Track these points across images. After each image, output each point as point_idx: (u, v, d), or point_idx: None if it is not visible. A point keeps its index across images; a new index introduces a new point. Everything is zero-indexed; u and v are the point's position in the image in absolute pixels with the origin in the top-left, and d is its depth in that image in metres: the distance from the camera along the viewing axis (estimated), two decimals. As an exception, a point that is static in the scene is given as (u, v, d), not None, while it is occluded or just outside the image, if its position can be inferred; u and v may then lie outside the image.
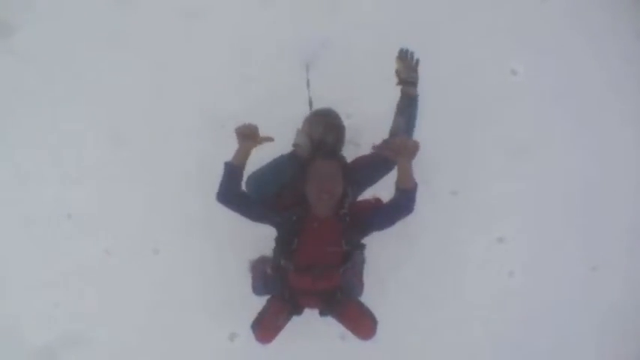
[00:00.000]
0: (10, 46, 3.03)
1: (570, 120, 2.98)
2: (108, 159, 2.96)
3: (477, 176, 2.92)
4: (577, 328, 2.86)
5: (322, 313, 2.41)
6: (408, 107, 2.12)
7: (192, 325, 2.83)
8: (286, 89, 2.83)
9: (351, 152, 2.36)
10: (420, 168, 2.00)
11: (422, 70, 2.20)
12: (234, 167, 2.01)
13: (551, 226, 2.94)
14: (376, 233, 2.15)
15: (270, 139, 2.02)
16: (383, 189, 2.17)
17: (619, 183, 2.97)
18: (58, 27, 3.03)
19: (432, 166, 1.93)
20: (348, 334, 2.49)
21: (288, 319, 2.40)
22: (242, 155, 2.02)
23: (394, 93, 2.22)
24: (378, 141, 1.94)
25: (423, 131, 2.25)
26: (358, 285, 2.46)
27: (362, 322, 2.38)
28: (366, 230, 2.11)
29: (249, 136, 1.99)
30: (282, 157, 2.22)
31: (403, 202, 1.97)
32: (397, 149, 1.87)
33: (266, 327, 2.36)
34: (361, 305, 2.42)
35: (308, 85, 2.66)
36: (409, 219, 2.03)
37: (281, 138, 2.22)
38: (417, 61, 2.13)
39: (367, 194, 2.32)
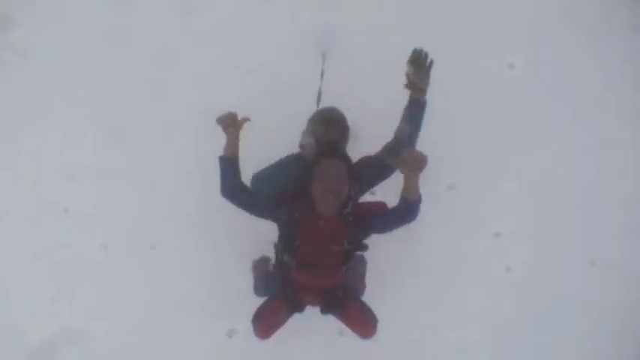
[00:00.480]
0: (9, 42, 3.03)
1: (568, 115, 2.98)
2: (105, 154, 2.96)
3: (475, 171, 2.92)
4: (575, 323, 2.86)
5: (323, 311, 2.41)
6: (414, 112, 2.08)
7: (190, 321, 2.82)
8: (287, 84, 2.83)
9: (350, 146, 2.37)
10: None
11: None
12: (226, 159, 2.04)
13: (548, 222, 2.94)
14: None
15: (247, 119, 2.03)
16: (389, 194, 2.17)
17: (616, 178, 2.98)
18: (58, 23, 3.03)
19: (430, 160, 1.92)
20: (347, 330, 2.49)
21: (288, 315, 2.40)
22: (231, 145, 2.03)
23: (393, 87, 2.21)
24: (379, 138, 1.93)
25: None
26: (360, 284, 2.48)
27: (363, 321, 2.38)
28: (367, 232, 2.12)
29: (229, 123, 2.01)
30: (288, 157, 2.23)
31: (406, 212, 1.99)
32: (406, 163, 1.86)
33: (266, 322, 2.35)
34: (362, 304, 2.42)
35: (322, 75, 2.64)
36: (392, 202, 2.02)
37: (281, 133, 2.22)
38: (432, 62, 2.04)
39: (372, 196, 2.33)
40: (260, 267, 2.63)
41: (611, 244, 2.95)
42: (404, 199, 1.95)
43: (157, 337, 2.80)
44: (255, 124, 2.13)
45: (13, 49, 3.02)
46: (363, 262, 2.55)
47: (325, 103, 2.52)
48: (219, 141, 2.36)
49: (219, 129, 2.82)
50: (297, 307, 2.39)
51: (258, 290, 2.48)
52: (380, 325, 2.41)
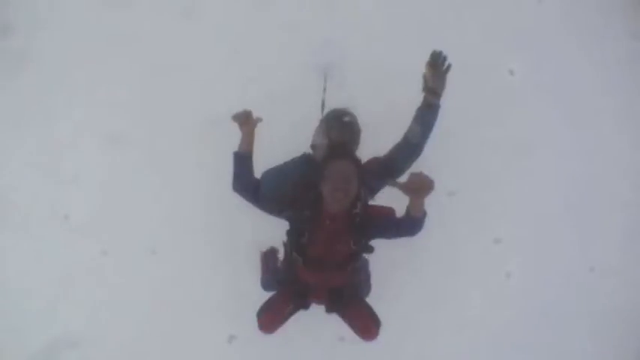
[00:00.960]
0: (9, 47, 3.03)
1: (568, 121, 2.99)
2: (105, 160, 2.96)
3: (475, 177, 2.93)
4: (574, 328, 2.87)
5: (328, 310, 2.42)
6: (427, 115, 2.04)
7: (190, 326, 2.82)
8: (286, 90, 2.84)
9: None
10: (417, 169, 2.00)
11: (418, 70, 2.09)
12: (240, 155, 2.07)
13: (548, 227, 2.94)
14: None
15: (260, 119, 2.08)
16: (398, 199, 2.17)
17: (615, 183, 2.99)
18: (57, 28, 3.04)
19: (429, 166, 1.92)
20: (347, 335, 2.49)
21: (293, 311, 2.41)
22: (245, 141, 2.07)
23: (396, 93, 2.21)
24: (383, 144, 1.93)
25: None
26: (366, 285, 2.49)
27: (366, 323, 2.39)
28: (372, 234, 2.13)
29: (245, 120, 2.05)
30: (298, 157, 2.23)
31: (410, 226, 2.00)
32: (411, 188, 1.86)
33: (271, 317, 2.36)
34: (367, 306, 2.42)
35: (324, 91, 2.66)
36: (402, 203, 2.01)
37: (280, 138, 2.22)
38: (449, 67, 2.01)
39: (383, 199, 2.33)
40: (268, 259, 2.63)
41: (611, 249, 2.95)
42: (408, 214, 1.96)
43: (156, 342, 2.80)
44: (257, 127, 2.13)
45: (13, 55, 3.02)
46: (367, 264, 2.55)
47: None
48: (217, 146, 2.37)
49: (220, 133, 2.84)
50: (303, 303, 2.41)
51: (265, 284, 2.49)
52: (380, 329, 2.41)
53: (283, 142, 2.21)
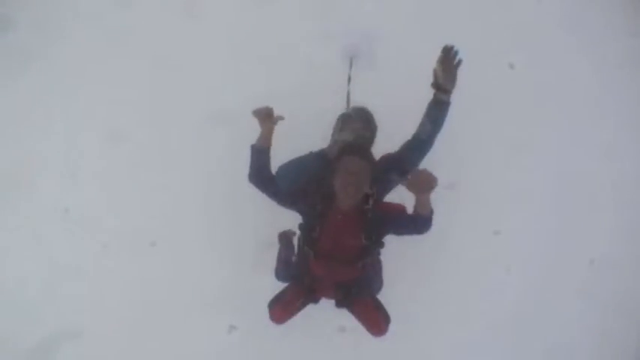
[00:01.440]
0: (11, 43, 3.05)
1: (567, 114, 3.01)
2: (105, 154, 2.98)
3: (474, 170, 2.94)
4: (575, 321, 2.88)
5: (338, 304, 2.44)
6: (437, 112, 2.06)
7: (191, 318, 2.83)
8: (287, 86, 2.84)
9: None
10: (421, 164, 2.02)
11: (422, 66, 2.11)
12: (259, 148, 2.11)
13: (548, 220, 2.95)
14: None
15: (281, 117, 2.13)
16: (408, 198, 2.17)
17: (615, 176, 2.99)
18: (59, 25, 3.04)
19: (430, 159, 1.93)
20: (347, 327, 2.50)
21: (304, 304, 2.44)
22: (265, 136, 2.11)
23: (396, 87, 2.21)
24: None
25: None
26: (377, 281, 2.49)
27: (375, 319, 2.42)
28: (383, 231, 2.15)
29: (266, 116, 2.09)
30: (312, 152, 2.26)
31: (418, 224, 2.03)
32: (415, 185, 1.88)
33: (282, 308, 2.40)
34: (377, 302, 2.45)
35: (349, 80, 2.69)
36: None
37: (282, 133, 2.22)
38: (460, 62, 2.02)
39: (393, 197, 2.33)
40: (285, 240, 2.63)
41: (611, 242, 2.96)
42: (415, 213, 1.98)
43: (157, 333, 2.81)
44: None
45: (14, 50, 3.03)
46: (379, 261, 2.55)
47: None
48: (217, 140, 2.39)
49: (221, 130, 2.86)
50: (313, 297, 2.43)
51: (279, 275, 2.51)
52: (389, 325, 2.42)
53: (286, 138, 2.20)
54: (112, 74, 2.99)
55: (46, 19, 3.05)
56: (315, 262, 2.21)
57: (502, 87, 2.99)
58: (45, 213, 2.95)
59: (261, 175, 2.11)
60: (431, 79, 2.03)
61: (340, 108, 2.62)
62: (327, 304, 2.44)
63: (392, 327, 2.52)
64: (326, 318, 2.56)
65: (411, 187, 1.88)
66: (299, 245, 2.33)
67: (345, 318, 2.45)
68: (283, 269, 2.45)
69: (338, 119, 2.34)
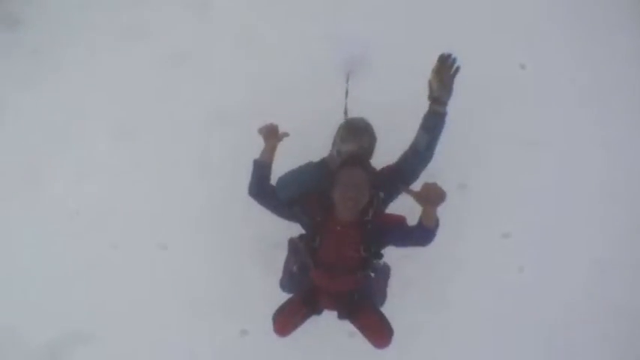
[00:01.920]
0: (19, 40, 3.06)
1: (577, 115, 2.98)
2: (116, 155, 2.99)
3: (486, 170, 2.92)
4: (587, 323, 2.85)
5: (340, 316, 2.43)
6: (433, 124, 2.00)
7: (202, 321, 2.84)
8: (293, 85, 2.84)
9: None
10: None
11: (429, 66, 2.06)
12: (261, 163, 2.15)
13: (558, 221, 2.92)
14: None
15: (286, 134, 2.20)
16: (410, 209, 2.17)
17: (625, 176, 2.97)
18: (67, 22, 3.05)
19: (441, 159, 1.92)
20: (357, 332, 2.48)
21: (306, 316, 2.44)
22: (267, 152, 2.16)
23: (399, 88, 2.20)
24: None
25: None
26: (380, 294, 2.46)
27: (378, 331, 2.40)
28: (382, 242, 2.15)
29: (271, 134, 2.15)
30: (311, 163, 2.26)
31: (422, 236, 1.99)
32: (424, 197, 1.85)
33: (285, 320, 2.41)
34: (380, 314, 2.43)
35: (346, 94, 2.70)
36: (416, 212, 2.02)
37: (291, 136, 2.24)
38: (457, 69, 1.95)
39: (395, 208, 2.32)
40: (295, 247, 2.62)
41: (622, 242, 2.93)
42: (420, 224, 1.95)
43: (168, 336, 2.82)
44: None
45: (23, 48, 3.05)
46: (386, 273, 2.52)
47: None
48: (227, 141, 2.38)
49: (229, 129, 2.87)
50: (315, 308, 2.43)
51: (284, 286, 2.50)
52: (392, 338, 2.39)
53: (289, 139, 2.21)
54: (122, 73, 3.00)
55: (55, 19, 3.07)
56: (315, 272, 2.23)
57: (513, 87, 2.97)
58: (55, 214, 2.96)
59: (261, 188, 2.15)
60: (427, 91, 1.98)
61: (341, 108, 2.64)
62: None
63: (400, 330, 2.51)
64: (336, 322, 2.54)
65: (420, 199, 1.86)
66: (300, 254, 2.31)
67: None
68: (288, 280, 2.43)
69: (338, 130, 2.31)
